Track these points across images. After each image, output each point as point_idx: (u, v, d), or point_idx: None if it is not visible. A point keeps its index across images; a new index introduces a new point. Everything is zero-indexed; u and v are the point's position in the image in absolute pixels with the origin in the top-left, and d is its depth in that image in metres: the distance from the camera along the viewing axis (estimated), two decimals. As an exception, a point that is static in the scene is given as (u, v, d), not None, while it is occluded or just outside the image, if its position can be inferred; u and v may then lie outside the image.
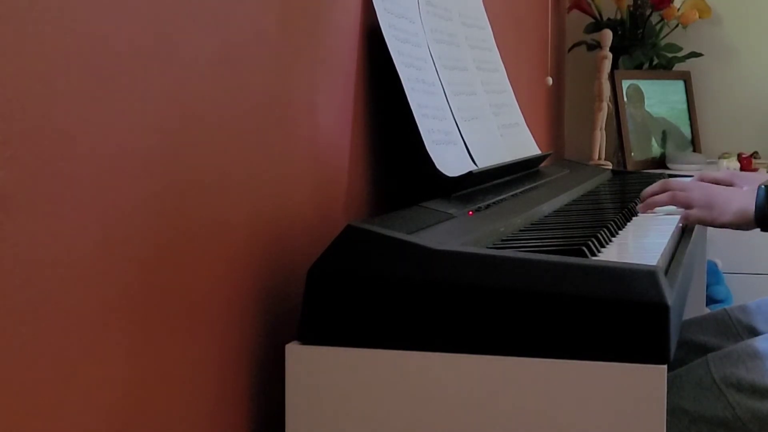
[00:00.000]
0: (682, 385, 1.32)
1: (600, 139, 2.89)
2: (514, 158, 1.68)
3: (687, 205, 1.44)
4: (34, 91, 0.72)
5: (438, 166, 1.35)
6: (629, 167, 2.92)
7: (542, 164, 1.95)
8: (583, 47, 3.10)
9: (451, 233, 1.10)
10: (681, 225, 1.42)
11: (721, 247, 2.74)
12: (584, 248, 1.08)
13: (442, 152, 1.39)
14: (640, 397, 0.88)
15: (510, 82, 1.91)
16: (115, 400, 0.83)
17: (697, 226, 1.47)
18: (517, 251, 0.99)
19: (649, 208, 1.50)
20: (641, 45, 3.06)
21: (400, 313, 0.95)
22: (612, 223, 1.31)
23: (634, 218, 1.47)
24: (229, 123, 1.02)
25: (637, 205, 1.55)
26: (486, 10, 1.89)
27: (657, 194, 1.51)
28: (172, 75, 0.91)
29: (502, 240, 1.17)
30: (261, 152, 1.08)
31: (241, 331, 1.04)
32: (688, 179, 1.59)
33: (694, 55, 3.10)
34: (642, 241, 1.28)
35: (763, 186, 1.39)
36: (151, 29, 0.88)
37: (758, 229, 1.40)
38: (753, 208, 1.37)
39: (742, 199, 1.40)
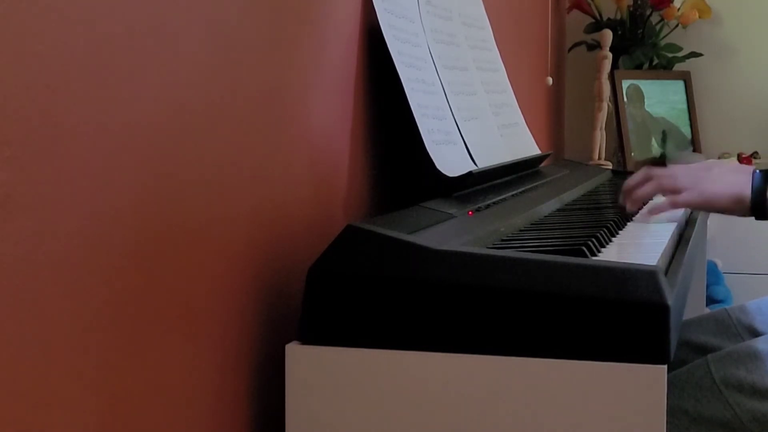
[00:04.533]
0: (682, 386, 1.32)
1: (600, 139, 2.89)
2: (514, 158, 1.68)
3: (675, 191, 1.36)
4: (34, 91, 0.72)
5: (438, 166, 1.35)
6: (629, 167, 2.92)
7: (542, 164, 1.95)
8: (583, 47, 3.10)
9: (451, 233, 1.10)
10: (677, 234, 1.34)
11: (721, 247, 2.74)
12: (584, 248, 1.08)
13: (442, 152, 1.39)
14: (640, 397, 0.88)
15: (510, 82, 1.91)
16: (114, 399, 0.83)
17: (697, 225, 1.46)
18: (517, 251, 0.99)
19: (637, 203, 1.41)
20: (641, 45, 3.06)
21: (400, 313, 0.95)
22: (612, 223, 1.31)
23: (634, 218, 1.47)
24: (228, 122, 1.02)
25: (620, 200, 1.46)
26: (486, 10, 1.89)
27: (640, 184, 1.42)
28: (170, 73, 0.91)
29: (502, 240, 1.17)
30: (260, 151, 1.08)
31: (241, 331, 1.04)
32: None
33: (694, 55, 3.10)
34: (642, 241, 1.28)
35: (758, 171, 1.32)
36: (149, 27, 0.88)
37: (753, 219, 1.32)
38: (749, 193, 1.30)
39: (736, 184, 1.31)
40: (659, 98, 3.12)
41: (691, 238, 1.36)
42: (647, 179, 1.41)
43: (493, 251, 0.97)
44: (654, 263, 1.01)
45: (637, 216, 1.45)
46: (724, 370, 1.30)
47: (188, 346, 0.94)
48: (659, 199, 1.43)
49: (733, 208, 1.32)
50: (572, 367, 0.90)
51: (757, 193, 1.30)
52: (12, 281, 0.70)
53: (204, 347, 0.97)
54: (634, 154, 3.00)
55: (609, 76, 2.91)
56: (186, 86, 0.93)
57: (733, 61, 3.16)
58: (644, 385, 0.88)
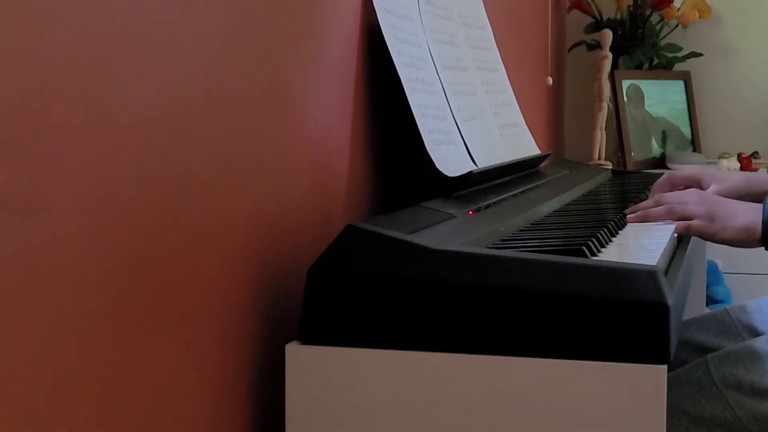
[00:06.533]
0: (682, 386, 1.32)
1: (600, 139, 2.89)
2: (514, 158, 1.68)
3: (686, 218, 1.35)
4: (33, 91, 0.72)
5: (438, 166, 1.35)
6: (629, 167, 2.92)
7: (542, 164, 1.95)
8: (583, 47, 3.10)
9: (451, 233, 1.10)
10: (677, 235, 1.33)
11: (721, 247, 2.73)
12: (584, 248, 1.08)
13: (442, 152, 1.39)
14: (640, 397, 0.88)
15: (510, 82, 1.91)
16: (115, 399, 0.83)
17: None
18: (517, 251, 0.99)
19: (642, 220, 1.39)
20: (641, 45, 3.07)
21: (400, 313, 0.95)
22: (612, 223, 1.31)
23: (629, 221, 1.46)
24: (228, 122, 1.02)
25: (627, 213, 1.43)
26: (486, 10, 1.89)
27: (650, 208, 1.39)
28: (170, 73, 0.91)
29: (502, 240, 1.17)
30: (260, 151, 1.08)
31: (241, 331, 1.04)
32: (688, 190, 1.53)
33: (694, 55, 3.10)
34: (642, 241, 1.28)
35: None
36: (148, 26, 0.88)
37: (762, 248, 1.32)
38: (759, 225, 1.29)
39: (747, 215, 1.31)
40: (659, 98, 3.12)
41: (691, 238, 1.36)
42: (658, 205, 1.39)
43: (493, 251, 0.97)
44: (654, 263, 1.01)
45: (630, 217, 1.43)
46: (723, 370, 1.30)
47: (188, 346, 0.94)
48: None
49: (743, 238, 1.32)
50: (572, 367, 0.90)
51: None
52: (12, 281, 0.70)
53: (204, 347, 0.97)
54: (634, 154, 3.00)
55: (609, 76, 2.91)
56: (186, 87, 0.93)
57: (733, 61, 3.16)
58: (644, 385, 0.88)
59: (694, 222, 1.33)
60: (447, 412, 0.94)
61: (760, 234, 1.30)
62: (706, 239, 1.36)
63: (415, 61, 1.44)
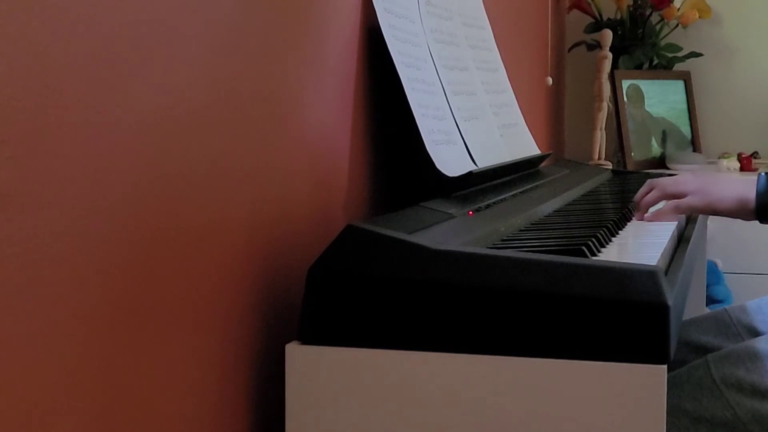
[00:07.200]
0: (682, 386, 1.32)
1: (600, 139, 2.89)
2: (514, 158, 1.68)
3: (679, 196, 1.37)
4: (33, 91, 0.72)
5: (438, 166, 1.35)
6: (629, 167, 2.92)
7: (542, 164, 1.95)
8: (583, 47, 3.10)
9: (451, 233, 1.10)
10: (677, 234, 1.33)
11: (721, 247, 2.74)
12: (584, 248, 1.08)
13: (442, 152, 1.39)
14: (640, 397, 0.88)
15: (510, 82, 1.91)
16: (114, 399, 0.83)
17: (696, 226, 1.46)
18: (517, 251, 0.99)
19: (644, 211, 1.41)
20: (641, 45, 3.07)
21: (400, 313, 0.95)
22: (612, 223, 1.31)
23: (634, 218, 1.47)
24: (228, 122, 1.02)
25: (632, 211, 1.46)
26: (486, 10, 1.89)
27: (645, 194, 1.43)
28: (169, 72, 0.91)
29: (502, 240, 1.17)
30: (260, 151, 1.08)
31: (241, 331, 1.04)
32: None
33: (694, 55, 3.10)
34: (642, 241, 1.28)
35: (763, 174, 1.32)
36: (147, 26, 0.88)
37: (756, 222, 1.33)
38: (753, 196, 1.30)
39: (741, 186, 1.32)
40: (659, 98, 3.12)
41: (691, 238, 1.36)
42: (652, 188, 1.41)
43: (493, 251, 0.97)
44: (654, 263, 1.01)
45: (638, 215, 1.45)
46: (724, 370, 1.30)
47: (188, 346, 0.94)
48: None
49: (737, 210, 1.32)
50: (572, 367, 0.90)
51: (762, 195, 1.30)
52: (12, 281, 0.70)
53: (204, 347, 0.97)
54: (634, 154, 3.00)
55: (609, 76, 2.91)
56: (186, 87, 0.93)
57: (733, 61, 3.16)
58: (644, 385, 0.88)
59: (687, 198, 1.34)
60: (447, 412, 0.94)
61: (753, 205, 1.30)
62: (703, 212, 1.36)
63: (415, 61, 1.44)
